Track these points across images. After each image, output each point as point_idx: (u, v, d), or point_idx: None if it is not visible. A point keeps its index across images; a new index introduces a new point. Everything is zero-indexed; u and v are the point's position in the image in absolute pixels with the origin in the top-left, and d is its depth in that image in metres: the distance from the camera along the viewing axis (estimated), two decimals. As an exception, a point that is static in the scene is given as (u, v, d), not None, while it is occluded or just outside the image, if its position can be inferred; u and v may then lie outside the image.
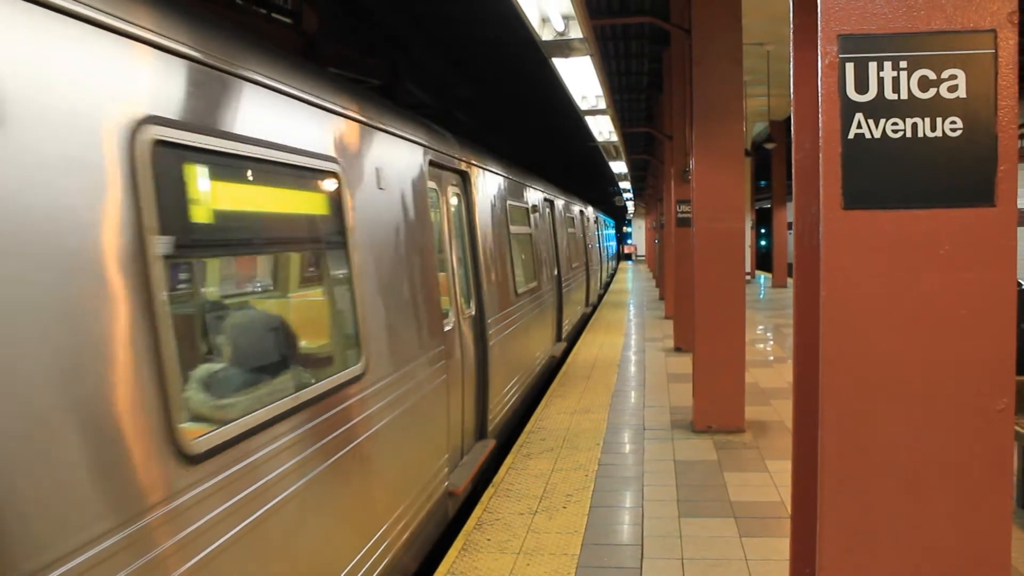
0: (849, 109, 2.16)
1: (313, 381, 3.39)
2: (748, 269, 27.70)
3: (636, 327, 15.76)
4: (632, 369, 10.79)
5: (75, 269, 2.05)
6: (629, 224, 60.47)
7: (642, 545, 4.75)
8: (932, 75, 2.11)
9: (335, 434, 3.45)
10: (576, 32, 5.90)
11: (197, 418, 2.57)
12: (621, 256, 55.66)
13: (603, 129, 13.03)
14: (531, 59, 10.81)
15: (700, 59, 7.15)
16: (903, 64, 2.13)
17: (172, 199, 2.51)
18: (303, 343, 3.76)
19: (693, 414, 7.42)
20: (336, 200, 3.75)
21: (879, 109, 2.14)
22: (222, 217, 2.95)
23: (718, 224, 7.18)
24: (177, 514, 2.29)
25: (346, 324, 3.86)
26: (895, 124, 2.14)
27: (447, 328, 5.53)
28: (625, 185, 31.91)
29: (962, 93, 2.11)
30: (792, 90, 2.89)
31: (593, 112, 10.44)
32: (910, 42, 2.12)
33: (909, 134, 2.13)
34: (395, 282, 4.50)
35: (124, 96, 2.29)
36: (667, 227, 17.16)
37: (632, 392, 9.22)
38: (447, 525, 5.33)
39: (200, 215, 2.78)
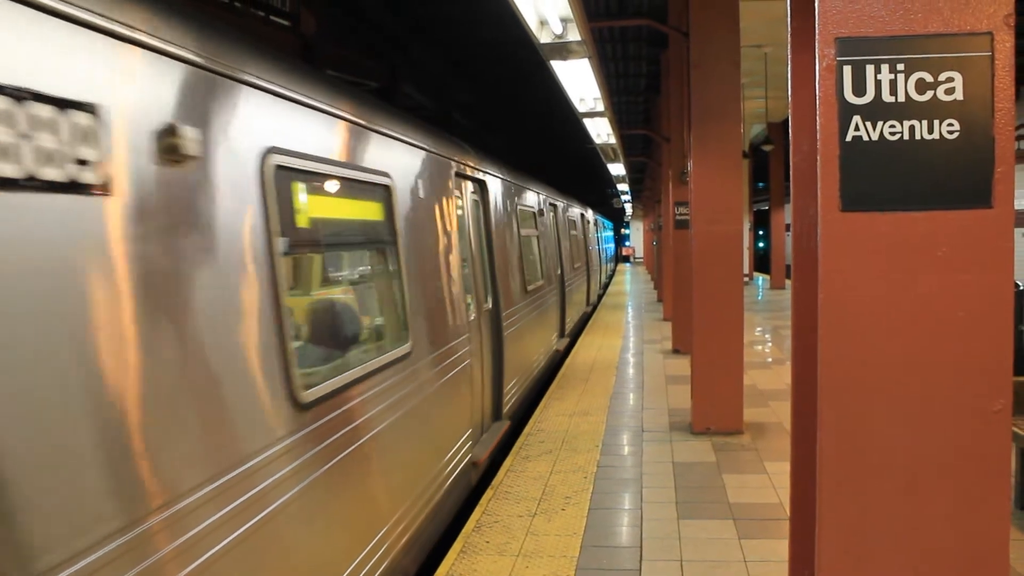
0: (847, 111, 2.16)
1: (377, 355, 4.18)
2: (746, 271, 27.73)
3: (634, 329, 15.76)
4: (630, 371, 10.80)
5: (242, 260, 2.82)
6: (627, 226, 60.52)
7: (641, 547, 4.75)
8: (929, 77, 2.12)
9: (392, 399, 4.20)
10: (574, 34, 5.90)
11: (304, 377, 3.26)
12: (619, 258, 55.70)
13: (601, 131, 13.03)
14: (529, 61, 10.83)
15: (698, 61, 7.16)
16: (900, 67, 2.13)
17: (286, 209, 3.22)
18: (375, 325, 4.64)
19: (691, 416, 7.42)
20: (388, 208, 4.51)
21: (877, 111, 2.15)
22: (315, 222, 3.74)
23: (716, 226, 7.19)
24: (294, 444, 3.06)
25: (398, 311, 4.64)
26: (892, 126, 2.15)
27: (471, 318, 6.34)
28: (623, 187, 31.92)
29: (959, 95, 2.11)
30: (790, 93, 2.90)
31: (591, 114, 10.43)
32: (907, 45, 2.13)
33: (907, 136, 2.14)
34: (432, 277, 5.27)
35: (258, 132, 3.03)
36: (665, 229, 17.17)
37: (630, 394, 9.22)
38: (470, 491, 6.06)
39: (302, 221, 3.52)
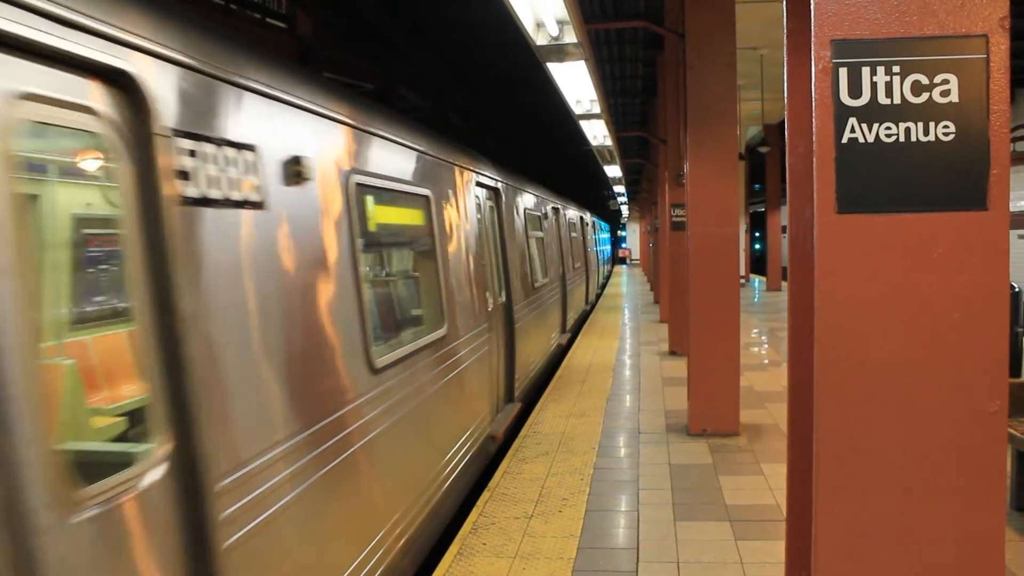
0: (843, 113, 2.17)
1: (425, 334, 5.15)
2: (742, 273, 27.75)
3: (631, 331, 15.77)
4: (627, 373, 10.80)
5: (338, 254, 3.71)
6: (623, 228, 60.55)
7: (638, 549, 4.75)
8: (925, 80, 2.13)
9: (433, 372, 5.14)
10: (571, 37, 5.91)
11: (375, 348, 4.12)
12: (616, 260, 55.72)
13: (597, 133, 13.05)
14: (525, 63, 10.84)
15: (694, 63, 7.17)
16: (896, 69, 2.14)
17: (362, 216, 4.11)
18: (420, 311, 5.59)
19: (688, 418, 7.43)
20: (428, 214, 5.46)
21: (872, 113, 2.15)
22: (379, 227, 4.66)
23: (713, 228, 7.19)
24: (370, 399, 3.93)
25: (438, 300, 5.57)
26: (888, 128, 2.15)
27: (489, 310, 7.20)
28: (619, 189, 31.94)
29: (955, 98, 2.12)
30: (786, 95, 2.90)
31: (587, 116, 10.45)
32: (903, 47, 2.14)
33: (902, 138, 2.15)
34: (461, 273, 6.19)
35: (344, 157, 3.93)
36: (661, 231, 17.18)
37: (627, 396, 9.23)
38: (488, 460, 6.80)
39: (371, 226, 4.41)
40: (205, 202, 2.64)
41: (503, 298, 8.11)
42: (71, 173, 3.93)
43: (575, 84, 8.23)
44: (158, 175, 2.39)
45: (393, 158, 4.78)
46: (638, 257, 49.91)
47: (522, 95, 19.52)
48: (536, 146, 29.83)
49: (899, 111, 2.14)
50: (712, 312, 7.21)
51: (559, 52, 6.33)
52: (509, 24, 5.90)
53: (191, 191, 2.55)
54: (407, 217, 5.25)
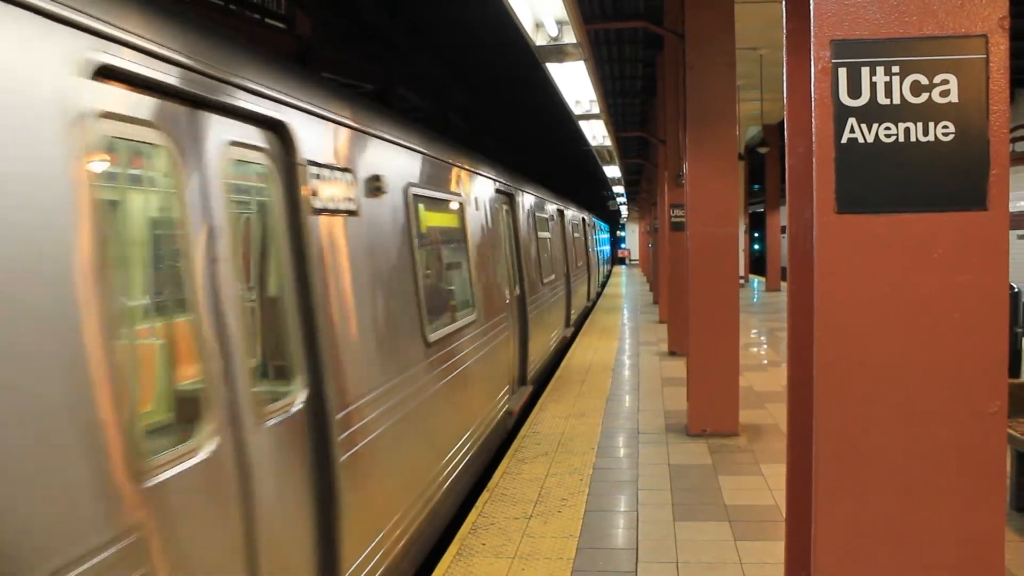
0: (842, 114, 2.17)
1: (460, 319, 6.10)
2: (742, 273, 27.76)
3: (630, 331, 15.77)
4: (626, 373, 10.80)
5: (406, 250, 4.78)
6: (623, 228, 60.56)
7: (637, 549, 4.75)
8: (924, 80, 2.13)
9: (467, 350, 6.06)
10: (570, 37, 5.91)
11: (428, 326, 5.11)
12: (615, 260, 55.71)
13: (597, 133, 13.05)
14: (525, 63, 10.84)
15: (694, 64, 7.17)
16: (895, 69, 2.14)
17: (417, 220, 5.09)
18: (455, 297, 6.43)
19: (687, 418, 7.43)
20: (461, 218, 6.57)
21: (872, 114, 2.15)
22: (428, 228, 5.64)
23: (712, 228, 7.19)
24: (424, 367, 4.93)
25: (470, 291, 6.63)
26: (888, 129, 2.15)
27: (507, 301, 8.15)
28: (619, 189, 31.95)
29: (954, 98, 2.12)
30: (785, 95, 2.90)
31: (587, 117, 10.45)
32: (902, 47, 2.14)
33: (902, 139, 2.15)
34: (487, 267, 7.23)
35: (405, 174, 4.96)
36: (661, 231, 17.18)
37: (626, 396, 9.23)
38: (505, 434, 7.58)
39: (423, 228, 5.40)
40: (324, 211, 3.58)
41: (518, 291, 9.05)
42: (249, 192, 4.69)
43: (575, 84, 8.23)
44: (299, 192, 3.36)
45: (436, 172, 5.81)
46: (637, 257, 49.90)
47: (522, 95, 19.52)
48: (536, 146, 29.83)
49: (899, 111, 2.14)
50: (711, 312, 7.21)
51: (558, 52, 6.33)
52: (508, 24, 5.90)
53: (317, 203, 3.50)
54: (447, 220, 6.32)
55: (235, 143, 2.97)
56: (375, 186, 4.27)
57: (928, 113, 2.13)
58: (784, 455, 3.09)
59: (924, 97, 2.13)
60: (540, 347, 10.40)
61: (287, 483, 3.19)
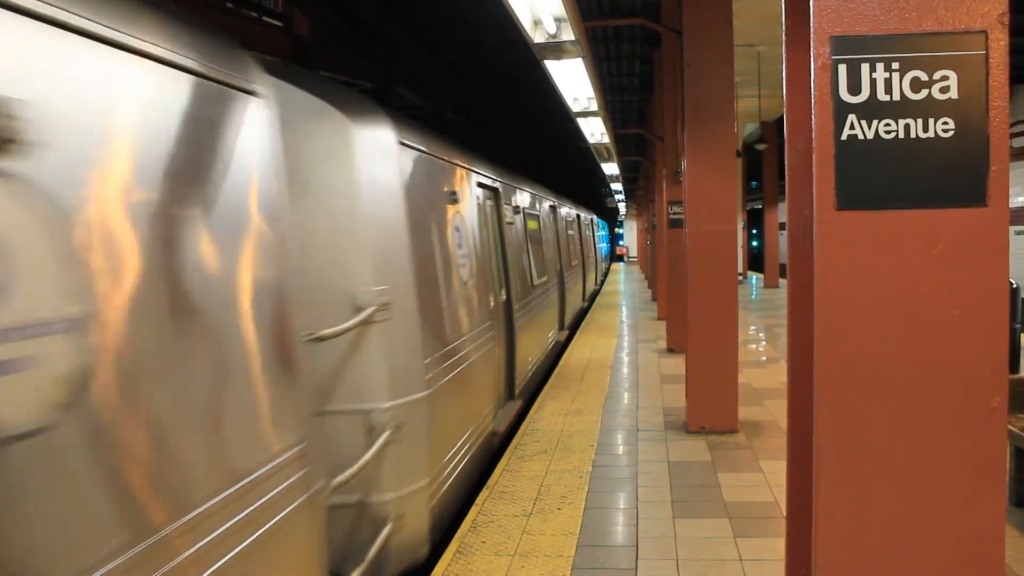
0: (842, 110, 2.17)
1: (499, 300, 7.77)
2: (740, 270, 27.77)
3: (629, 328, 15.78)
4: (625, 370, 10.81)
5: (492, 249, 7.87)
6: (621, 225, 60.57)
7: (637, 546, 4.75)
8: (924, 76, 2.13)
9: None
10: (568, 34, 5.91)
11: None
12: (614, 257, 55.73)
13: (595, 131, 13.05)
14: (523, 61, 10.83)
15: (691, 61, 7.17)
16: (895, 65, 2.14)
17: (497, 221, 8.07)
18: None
19: (686, 415, 7.43)
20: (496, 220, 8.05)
21: (872, 110, 2.15)
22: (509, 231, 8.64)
23: (711, 225, 7.20)
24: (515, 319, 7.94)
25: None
26: (888, 125, 2.15)
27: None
28: (617, 187, 31.94)
29: (954, 94, 2.12)
30: (784, 91, 2.90)
31: (585, 114, 10.45)
32: (902, 43, 2.13)
33: (902, 135, 2.15)
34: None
35: (481, 196, 7.15)
36: (659, 228, 17.19)
37: (625, 393, 9.23)
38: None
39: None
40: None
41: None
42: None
43: (573, 82, 8.24)
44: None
45: (465, 184, 6.69)
46: (636, 255, 49.92)
47: (520, 93, 19.50)
48: (534, 144, 29.81)
49: (898, 108, 2.14)
50: (710, 309, 7.21)
51: (557, 50, 6.33)
52: (507, 22, 5.89)
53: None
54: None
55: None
56: (454, 198, 6.03)
57: (928, 109, 2.13)
58: (783, 451, 3.10)
59: (924, 93, 2.13)
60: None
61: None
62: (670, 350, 12.15)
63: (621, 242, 60.25)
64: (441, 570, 4.49)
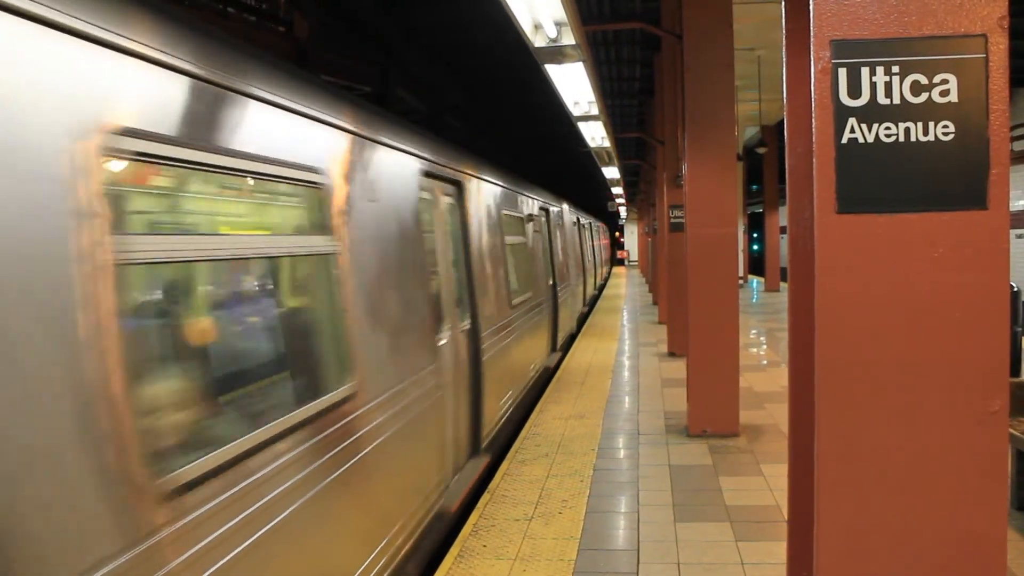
0: (842, 114, 2.17)
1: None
2: (741, 273, 27.76)
3: (630, 332, 15.77)
4: (626, 374, 10.80)
5: (525, 250, 9.98)
6: (622, 229, 60.56)
7: (638, 550, 4.75)
8: (924, 80, 2.13)
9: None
10: (568, 38, 5.91)
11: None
12: (614, 261, 55.73)
13: (595, 135, 13.05)
14: (524, 65, 10.85)
15: (691, 65, 7.18)
16: (895, 69, 2.14)
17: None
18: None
19: (687, 419, 7.43)
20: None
21: (872, 114, 2.15)
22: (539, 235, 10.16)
23: (711, 229, 7.20)
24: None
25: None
26: (888, 128, 2.15)
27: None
28: (618, 190, 31.96)
29: (954, 97, 2.12)
30: (785, 95, 2.90)
31: (585, 118, 10.46)
32: (902, 47, 2.14)
33: (902, 138, 2.15)
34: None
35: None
36: (660, 232, 17.19)
37: (626, 397, 9.23)
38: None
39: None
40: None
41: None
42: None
43: (573, 86, 8.24)
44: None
45: (497, 196, 8.28)
46: (636, 258, 49.93)
47: (520, 97, 19.52)
48: (535, 148, 29.83)
49: (899, 111, 2.14)
50: (711, 313, 7.21)
51: (557, 54, 6.33)
52: (507, 26, 5.90)
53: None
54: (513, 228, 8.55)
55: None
56: (531, 219, 8.88)
57: (928, 113, 2.13)
58: (784, 455, 3.10)
59: (924, 97, 2.13)
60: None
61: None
62: (671, 354, 12.14)
63: (622, 246, 60.23)
64: (442, 574, 4.48)
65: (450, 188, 6.33)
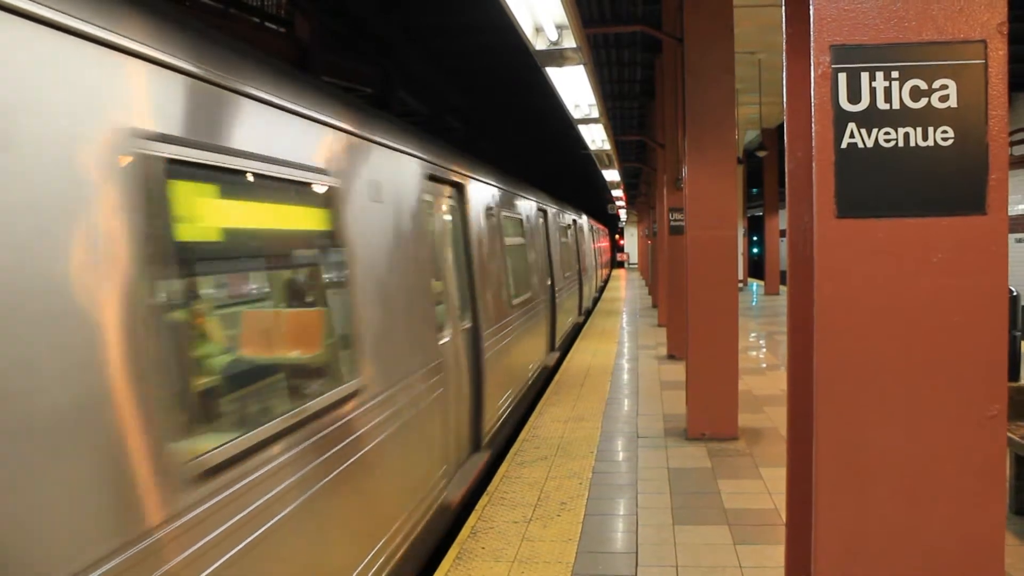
0: (842, 119, 2.17)
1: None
2: (740, 277, 27.77)
3: (629, 335, 15.77)
4: (625, 377, 10.80)
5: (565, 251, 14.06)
6: (622, 232, 60.58)
7: (637, 553, 4.75)
8: (923, 85, 2.14)
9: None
10: (569, 41, 5.92)
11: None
12: (614, 264, 55.75)
13: (596, 137, 13.06)
14: (524, 67, 10.85)
15: (692, 68, 7.19)
16: (895, 74, 2.15)
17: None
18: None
19: (686, 422, 7.43)
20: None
21: (871, 119, 2.16)
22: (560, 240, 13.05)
23: (711, 232, 7.21)
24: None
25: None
26: (887, 133, 2.16)
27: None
28: (618, 193, 31.97)
29: (953, 103, 2.13)
30: (785, 100, 2.91)
31: (586, 121, 10.46)
32: (902, 52, 2.15)
33: (901, 143, 2.15)
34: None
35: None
36: (660, 235, 17.20)
37: (625, 400, 9.23)
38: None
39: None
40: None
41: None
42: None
43: (574, 88, 8.24)
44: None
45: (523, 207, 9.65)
46: (636, 261, 49.95)
47: (521, 99, 19.54)
48: (535, 150, 29.86)
49: (898, 116, 2.15)
50: (710, 316, 7.22)
51: (558, 57, 6.33)
52: (508, 29, 5.91)
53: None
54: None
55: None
56: (566, 227, 9.76)
57: (927, 118, 2.14)
58: (783, 459, 3.10)
59: (923, 102, 2.14)
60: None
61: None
62: (671, 356, 12.15)
63: (622, 248, 60.24)
64: (441, 576, 4.49)
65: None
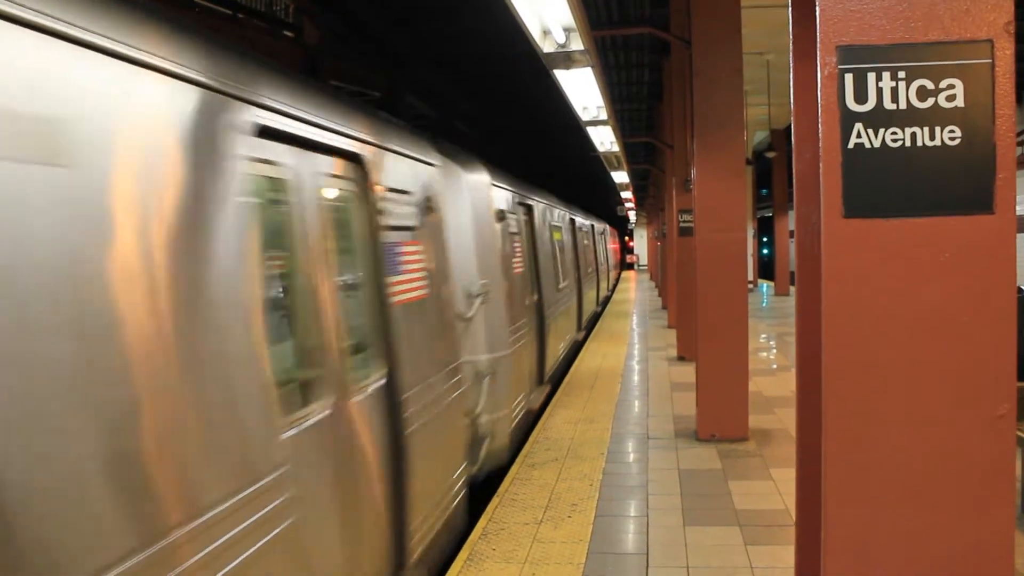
0: (849, 119, 2.18)
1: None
2: (750, 277, 27.68)
3: (639, 337, 15.76)
4: (635, 378, 10.80)
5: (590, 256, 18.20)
6: (631, 234, 60.49)
7: (647, 554, 4.75)
8: (930, 85, 2.14)
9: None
10: (577, 44, 5.94)
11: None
12: (624, 265, 55.69)
13: (604, 139, 13.08)
14: (532, 70, 10.88)
15: (700, 69, 7.18)
16: (901, 74, 2.15)
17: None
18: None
19: (697, 423, 7.42)
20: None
21: (878, 119, 2.16)
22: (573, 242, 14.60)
23: (720, 233, 7.20)
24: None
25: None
26: (894, 133, 2.16)
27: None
28: (627, 195, 31.95)
29: (960, 102, 2.13)
30: (792, 100, 2.92)
31: (594, 123, 10.49)
32: (908, 53, 2.15)
33: (908, 143, 2.16)
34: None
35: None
36: (669, 236, 17.19)
37: (636, 401, 9.22)
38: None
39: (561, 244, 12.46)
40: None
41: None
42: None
43: (582, 91, 8.27)
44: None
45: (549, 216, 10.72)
46: (646, 263, 49.89)
47: (530, 102, 19.55)
48: (544, 152, 29.85)
49: (905, 116, 2.15)
50: (720, 317, 7.21)
51: (566, 59, 6.36)
52: (516, 32, 5.93)
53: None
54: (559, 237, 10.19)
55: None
56: (581, 232, 10.65)
57: (934, 118, 2.14)
58: (793, 460, 3.10)
59: (930, 102, 2.14)
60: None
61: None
62: (680, 358, 12.13)
63: (632, 250, 60.18)
64: (451, 578, 4.51)
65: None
